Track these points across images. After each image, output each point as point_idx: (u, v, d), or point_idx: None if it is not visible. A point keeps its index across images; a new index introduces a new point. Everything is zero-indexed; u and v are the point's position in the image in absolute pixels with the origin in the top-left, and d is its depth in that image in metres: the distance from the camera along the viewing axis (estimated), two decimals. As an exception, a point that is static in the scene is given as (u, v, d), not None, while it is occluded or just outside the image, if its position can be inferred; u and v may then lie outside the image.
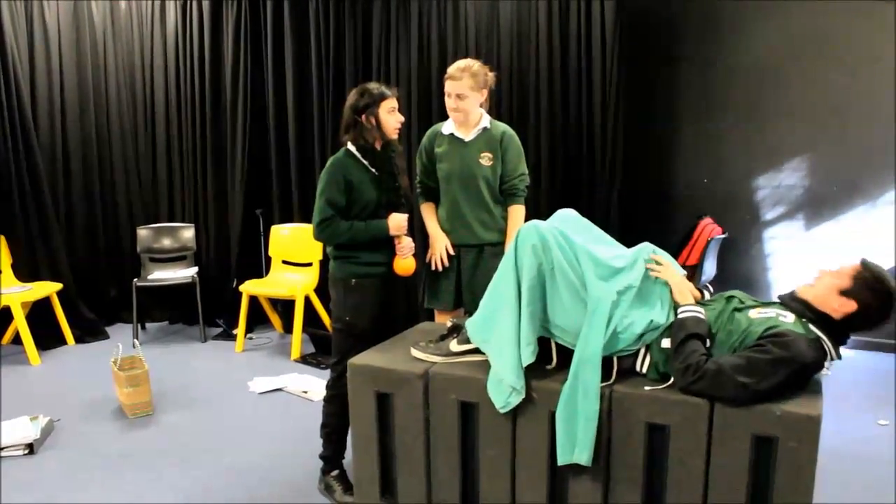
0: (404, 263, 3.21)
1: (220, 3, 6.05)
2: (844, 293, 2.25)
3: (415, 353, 2.69)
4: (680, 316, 2.33)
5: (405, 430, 2.61)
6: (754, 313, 2.34)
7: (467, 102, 3.36)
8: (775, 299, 2.46)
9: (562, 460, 2.29)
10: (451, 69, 3.39)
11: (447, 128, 3.50)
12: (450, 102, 3.39)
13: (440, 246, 3.47)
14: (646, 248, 2.54)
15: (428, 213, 3.60)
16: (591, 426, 2.22)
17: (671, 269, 2.47)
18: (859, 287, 2.24)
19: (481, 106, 3.47)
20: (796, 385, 2.18)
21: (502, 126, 3.53)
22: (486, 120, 3.47)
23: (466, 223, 3.45)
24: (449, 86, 3.36)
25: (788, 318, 2.27)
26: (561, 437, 2.27)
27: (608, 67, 4.90)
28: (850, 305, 2.23)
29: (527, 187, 3.58)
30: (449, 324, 2.80)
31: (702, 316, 2.31)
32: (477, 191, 3.44)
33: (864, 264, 2.28)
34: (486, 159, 3.43)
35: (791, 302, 2.36)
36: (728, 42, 5.49)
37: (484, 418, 2.46)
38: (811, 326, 2.25)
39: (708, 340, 2.31)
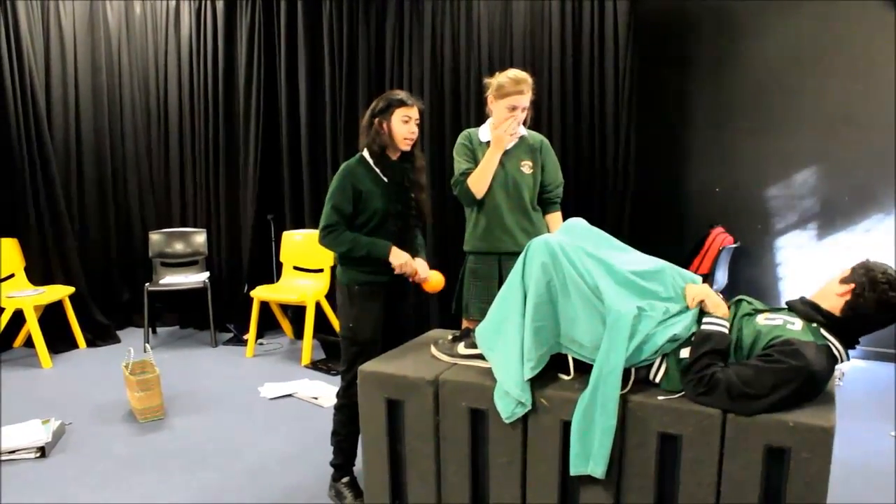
0: (432, 282, 3.18)
1: (234, 9, 6.09)
2: (843, 281, 2.32)
3: (432, 350, 2.81)
4: (705, 328, 2.30)
5: (415, 436, 2.61)
6: (761, 319, 2.35)
7: (525, 113, 3.34)
8: (784, 305, 2.46)
9: (575, 471, 2.28)
10: (513, 83, 3.26)
11: (484, 135, 3.42)
12: (518, 116, 3.29)
13: (499, 129, 3.27)
14: (673, 272, 2.51)
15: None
16: (607, 439, 2.22)
17: (704, 289, 2.44)
18: (856, 272, 2.30)
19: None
20: (808, 394, 2.17)
21: (538, 135, 3.52)
22: (522, 128, 3.43)
23: (508, 231, 3.39)
24: (515, 100, 3.26)
25: (796, 326, 2.27)
26: (575, 448, 2.27)
27: (621, 71, 4.89)
28: (848, 288, 2.28)
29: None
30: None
31: (726, 331, 2.29)
32: (520, 199, 3.39)
33: (863, 259, 2.36)
34: (527, 167, 3.40)
35: (799, 305, 2.37)
36: (740, 48, 5.47)
37: (494, 425, 2.46)
38: (821, 331, 2.25)
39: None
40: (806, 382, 2.14)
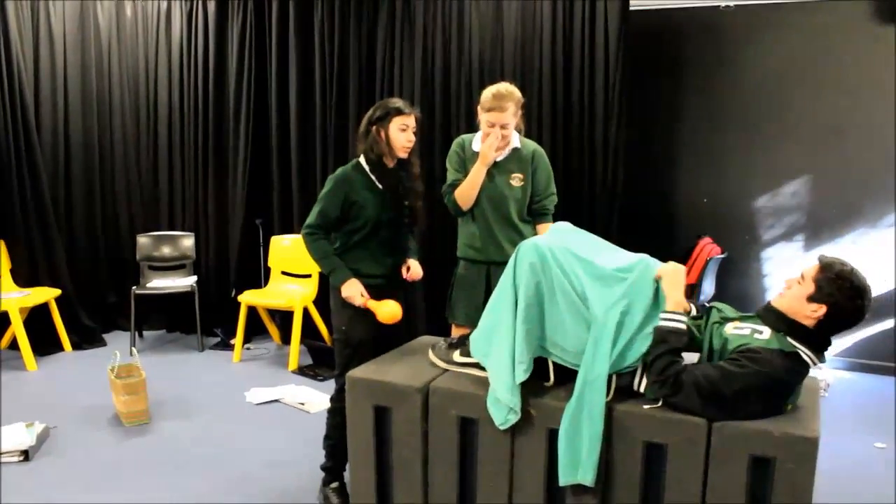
0: (383, 312, 3.05)
1: (226, 12, 6.08)
2: (812, 299, 2.23)
3: (430, 354, 2.81)
4: (661, 324, 2.28)
5: (403, 443, 2.61)
6: (730, 328, 2.36)
7: (509, 129, 3.30)
8: (753, 313, 2.46)
9: (564, 481, 2.28)
10: (492, 99, 3.22)
11: (476, 145, 3.41)
12: (495, 133, 3.24)
13: (487, 142, 3.26)
14: (645, 262, 2.48)
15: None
16: (595, 447, 2.22)
17: (669, 273, 2.38)
18: (825, 289, 2.22)
19: (516, 127, 3.39)
20: (776, 400, 2.20)
21: (532, 145, 3.49)
22: (516, 139, 3.41)
23: (497, 242, 3.40)
24: (493, 117, 3.22)
25: (764, 335, 2.27)
26: (564, 457, 2.27)
27: (611, 81, 4.91)
28: (821, 309, 2.22)
29: (555, 206, 3.56)
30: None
31: (682, 327, 2.28)
32: (506, 212, 3.39)
33: (824, 265, 2.25)
34: (516, 180, 3.39)
35: (766, 314, 2.36)
36: (729, 60, 5.52)
37: (483, 433, 2.46)
38: (788, 339, 2.25)
39: (697, 356, 2.34)
40: (772, 388, 2.16)
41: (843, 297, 2.21)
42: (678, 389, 2.18)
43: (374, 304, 3.06)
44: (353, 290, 3.06)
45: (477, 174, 3.32)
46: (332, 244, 3.14)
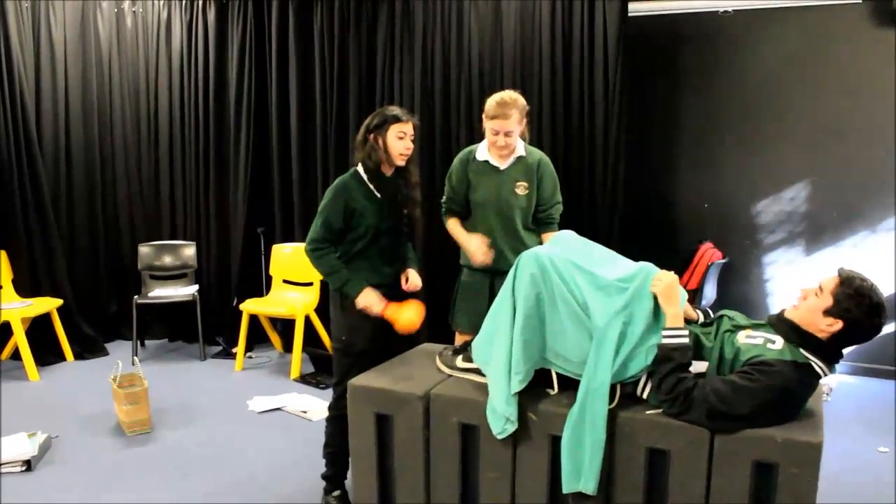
0: (403, 320, 3.04)
1: (225, 21, 6.09)
2: (829, 313, 2.20)
3: (437, 360, 2.83)
4: (665, 341, 2.28)
5: (405, 450, 2.61)
6: (742, 337, 2.34)
7: (513, 137, 3.30)
8: (765, 320, 2.44)
9: (567, 489, 2.27)
10: (496, 107, 3.23)
11: (481, 154, 3.42)
12: (498, 141, 3.27)
13: (476, 243, 3.34)
14: (645, 271, 2.47)
15: (454, 225, 3.50)
16: (597, 455, 2.22)
17: (661, 283, 2.38)
18: (843, 304, 2.18)
19: (521, 134, 3.40)
20: (787, 412, 2.18)
21: (538, 153, 3.49)
22: (522, 147, 3.41)
23: (499, 250, 3.39)
24: (497, 125, 3.24)
25: (777, 344, 2.25)
26: (566, 465, 2.26)
27: (611, 85, 4.90)
28: (837, 324, 2.19)
29: (560, 215, 3.56)
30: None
31: (685, 342, 2.28)
32: (511, 220, 3.40)
33: (844, 279, 2.22)
34: (521, 188, 3.39)
35: (779, 324, 2.33)
36: (729, 63, 5.51)
37: (484, 440, 2.46)
38: (801, 350, 2.23)
39: (705, 364, 2.32)
40: (784, 401, 2.15)
41: (861, 313, 2.18)
42: (688, 408, 2.18)
43: (393, 312, 3.04)
44: (371, 299, 3.03)
45: (461, 242, 3.47)
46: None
